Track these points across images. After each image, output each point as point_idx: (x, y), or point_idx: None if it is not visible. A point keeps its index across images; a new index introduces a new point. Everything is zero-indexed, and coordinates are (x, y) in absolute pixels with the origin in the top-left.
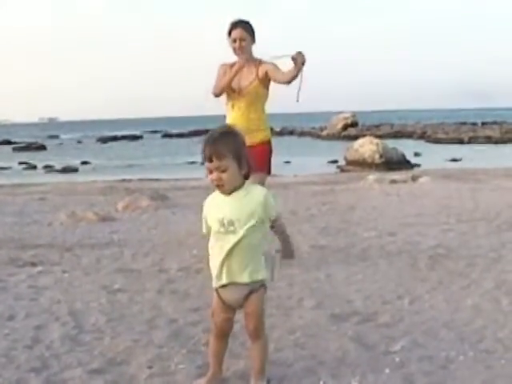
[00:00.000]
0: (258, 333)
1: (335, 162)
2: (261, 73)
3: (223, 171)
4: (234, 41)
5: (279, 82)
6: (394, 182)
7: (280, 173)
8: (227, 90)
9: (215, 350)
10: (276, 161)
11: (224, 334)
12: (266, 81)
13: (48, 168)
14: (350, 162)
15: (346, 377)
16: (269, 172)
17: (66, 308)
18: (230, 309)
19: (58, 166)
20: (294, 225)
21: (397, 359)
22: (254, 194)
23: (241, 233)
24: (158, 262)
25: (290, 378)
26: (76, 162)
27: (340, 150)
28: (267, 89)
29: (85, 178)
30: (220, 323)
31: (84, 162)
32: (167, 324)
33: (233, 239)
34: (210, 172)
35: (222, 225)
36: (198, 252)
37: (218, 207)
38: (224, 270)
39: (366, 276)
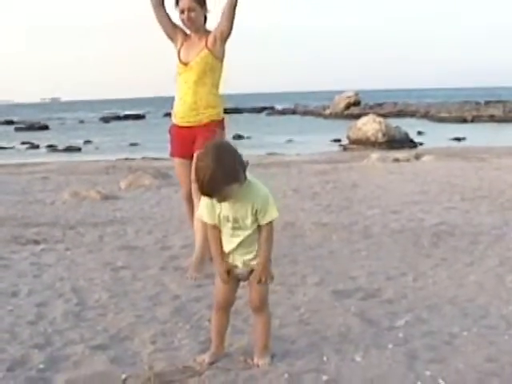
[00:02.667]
0: (262, 306)
1: (338, 140)
2: (210, 40)
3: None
4: (182, 11)
5: (228, 11)
6: (397, 160)
7: (282, 151)
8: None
9: (218, 325)
10: (278, 139)
11: (227, 305)
12: (217, 50)
13: (51, 147)
14: (352, 141)
15: (349, 352)
16: None
17: (69, 285)
18: (234, 280)
19: (61, 146)
20: (297, 202)
21: (400, 335)
22: (252, 195)
23: (248, 228)
24: (161, 239)
25: (294, 354)
26: (79, 142)
27: (343, 129)
28: (220, 61)
29: (88, 158)
30: (223, 294)
31: (87, 142)
32: (170, 300)
33: (242, 234)
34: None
35: (228, 220)
36: None
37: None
38: (232, 255)
39: (369, 253)
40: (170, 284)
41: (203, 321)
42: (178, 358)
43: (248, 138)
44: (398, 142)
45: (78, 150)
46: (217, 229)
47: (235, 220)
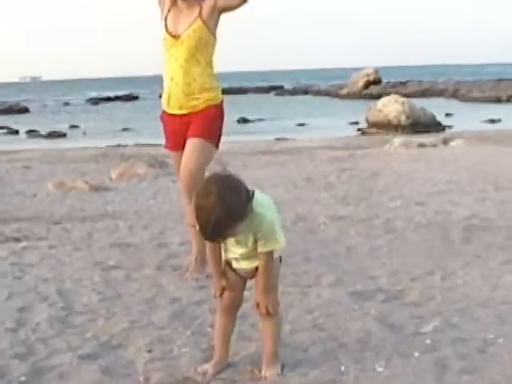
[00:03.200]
0: (270, 309)
1: (356, 123)
2: (206, 10)
3: None
4: None
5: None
6: (422, 145)
7: (293, 136)
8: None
9: (222, 329)
10: (289, 123)
11: (233, 307)
12: (212, 21)
13: (32, 133)
14: (372, 124)
15: (369, 361)
16: (217, 145)
17: (53, 287)
18: (240, 279)
19: (43, 131)
20: (309, 194)
21: (427, 341)
22: (254, 224)
23: (251, 246)
24: (158, 236)
25: (307, 363)
26: (63, 126)
27: (361, 111)
28: (214, 35)
29: (74, 144)
30: (229, 295)
31: (73, 126)
32: (168, 303)
33: (245, 248)
34: None
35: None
36: None
37: None
38: (236, 260)
39: (391, 249)
40: (167, 285)
41: (205, 326)
42: (178, 368)
43: (254, 121)
44: (423, 126)
45: (63, 135)
46: (216, 246)
47: (237, 241)
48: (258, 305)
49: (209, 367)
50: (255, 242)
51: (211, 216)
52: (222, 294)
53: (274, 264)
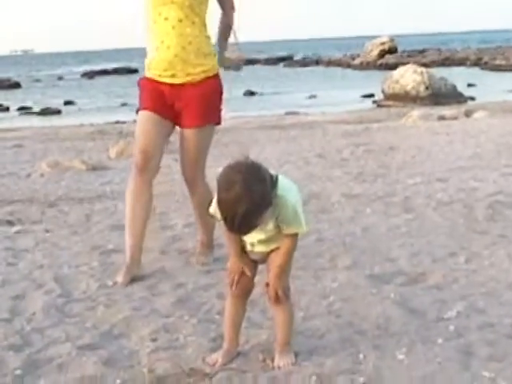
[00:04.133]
0: (282, 294)
1: (371, 96)
2: None
3: None
4: None
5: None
6: (442, 118)
7: (304, 110)
8: None
9: (232, 314)
10: (299, 96)
11: (244, 293)
12: None
13: (24, 110)
14: (388, 96)
15: (389, 349)
16: (218, 122)
17: (50, 273)
18: (251, 262)
19: (36, 108)
20: (322, 170)
21: (451, 327)
22: (276, 209)
23: (271, 231)
24: (161, 217)
25: (323, 351)
26: (58, 102)
27: (376, 82)
28: None
29: (69, 121)
30: (240, 279)
31: (68, 102)
32: (173, 289)
33: (264, 233)
34: None
35: None
36: None
37: None
38: (251, 244)
39: (411, 229)
40: (172, 270)
41: (213, 313)
42: (184, 359)
43: (262, 94)
44: (443, 97)
45: (58, 112)
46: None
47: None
48: (267, 286)
49: (218, 357)
50: (276, 226)
51: (238, 209)
52: (239, 279)
53: (295, 245)
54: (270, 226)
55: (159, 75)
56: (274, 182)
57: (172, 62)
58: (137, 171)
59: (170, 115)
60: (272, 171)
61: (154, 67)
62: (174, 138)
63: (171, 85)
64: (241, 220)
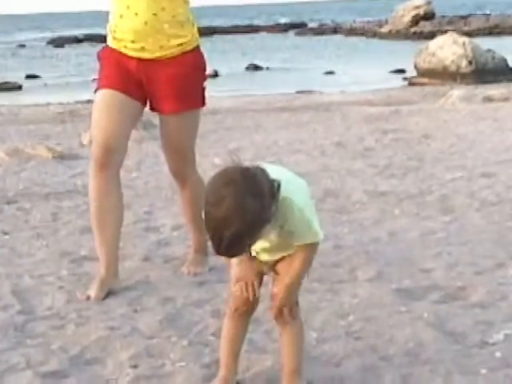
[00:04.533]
0: (289, 313)
1: (401, 71)
2: None
3: None
4: None
5: None
6: (489, 99)
7: (320, 88)
8: None
9: (231, 338)
10: (314, 71)
11: (247, 309)
12: None
13: None
14: (423, 72)
15: (421, 380)
16: (202, 103)
17: (7, 285)
18: (256, 273)
19: None
20: (341, 162)
21: (498, 354)
22: (281, 215)
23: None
24: (144, 217)
25: (341, 382)
26: (18, 76)
27: (408, 55)
28: None
29: (32, 100)
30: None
31: (30, 76)
32: (159, 304)
33: (269, 242)
34: None
35: None
36: None
37: None
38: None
39: (449, 235)
40: (158, 282)
41: (206, 334)
42: None
43: (269, 69)
44: (491, 73)
45: (18, 88)
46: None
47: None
48: (273, 298)
49: None
50: (280, 234)
51: (226, 230)
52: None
53: (313, 255)
54: (275, 233)
55: (125, 47)
56: (274, 191)
57: (141, 31)
58: (97, 168)
59: (137, 94)
60: (275, 173)
61: (119, 37)
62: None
63: (139, 59)
64: (228, 243)
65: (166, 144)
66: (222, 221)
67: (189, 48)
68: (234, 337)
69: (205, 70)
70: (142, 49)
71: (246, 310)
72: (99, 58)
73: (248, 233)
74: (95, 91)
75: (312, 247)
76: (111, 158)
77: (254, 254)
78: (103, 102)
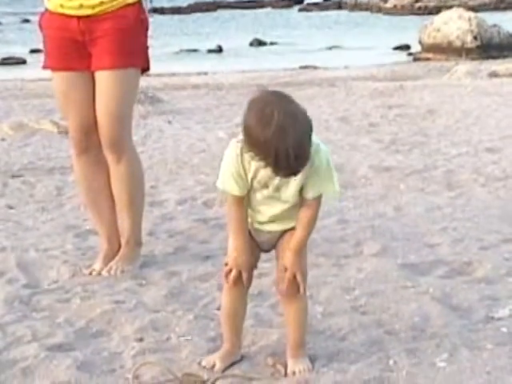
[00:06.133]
0: (296, 287)
1: (406, 47)
2: None
3: None
4: None
5: None
6: (495, 75)
7: (324, 64)
8: None
9: (231, 312)
10: (317, 46)
11: (242, 282)
12: None
13: None
14: (427, 48)
15: (427, 354)
16: (143, 66)
17: (13, 258)
18: (255, 249)
19: None
20: (345, 138)
21: (504, 329)
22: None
23: (288, 201)
24: (149, 192)
25: (346, 355)
26: (22, 51)
27: (413, 30)
28: None
29: (37, 74)
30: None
31: (35, 51)
32: (164, 278)
33: (278, 206)
34: None
35: (266, 187)
36: (206, 177)
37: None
38: (259, 224)
39: (455, 210)
40: (163, 256)
41: (212, 308)
42: (177, 362)
43: (273, 43)
44: (496, 49)
45: (22, 62)
46: (243, 203)
47: (277, 188)
48: (279, 282)
49: (217, 360)
50: (297, 190)
51: (289, 137)
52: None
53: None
54: (292, 190)
55: (61, 6)
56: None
57: None
58: (79, 153)
59: (85, 64)
60: None
61: None
62: (167, 94)
63: (79, 18)
64: (297, 150)
65: (99, 106)
66: (281, 132)
67: (130, 1)
68: (233, 312)
69: (146, 27)
70: (80, 6)
71: (241, 283)
72: (40, 26)
73: (307, 134)
74: (44, 67)
75: (319, 204)
76: (90, 140)
77: (257, 226)
78: (60, 88)
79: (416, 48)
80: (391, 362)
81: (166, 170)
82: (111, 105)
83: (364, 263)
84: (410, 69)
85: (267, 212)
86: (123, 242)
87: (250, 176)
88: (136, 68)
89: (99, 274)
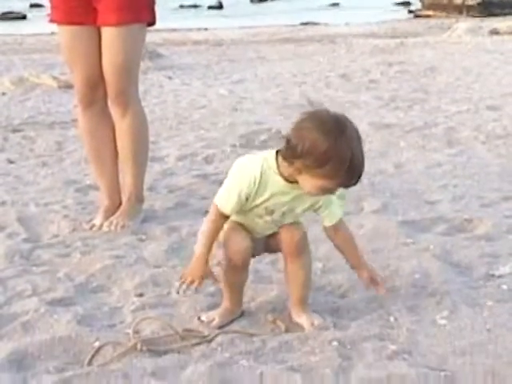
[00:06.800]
0: (301, 246)
1: (406, 3)
2: None
3: None
4: None
5: None
6: (495, 32)
7: (324, 20)
8: None
9: (233, 284)
10: (318, 2)
11: (245, 264)
12: None
13: None
14: (428, 5)
15: (427, 311)
16: (149, 20)
17: (13, 213)
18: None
19: None
20: (346, 94)
21: (504, 287)
22: None
23: (294, 217)
24: (150, 147)
25: (347, 312)
26: (22, 6)
27: None
28: None
29: (37, 29)
30: (241, 253)
31: (35, 5)
32: (164, 233)
33: (283, 221)
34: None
35: (271, 214)
36: (206, 133)
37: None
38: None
39: (455, 167)
40: (163, 211)
41: (212, 264)
42: (177, 318)
43: (273, 0)
44: (497, 6)
45: (22, 17)
46: (225, 220)
47: (282, 214)
48: (285, 243)
49: (216, 316)
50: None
51: (357, 143)
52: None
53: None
54: (297, 214)
55: None
56: None
57: None
58: (84, 107)
59: (91, 18)
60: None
61: None
62: (167, 50)
63: None
64: (362, 156)
65: (106, 60)
66: (355, 140)
67: None
68: (235, 283)
69: None
70: None
71: (244, 264)
72: None
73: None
74: (51, 20)
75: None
76: (95, 94)
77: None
78: (66, 42)
79: (416, 5)
80: (391, 318)
81: (167, 125)
82: (118, 59)
83: (364, 220)
84: (411, 26)
85: (265, 232)
86: (125, 197)
87: (259, 200)
88: (142, 23)
89: (100, 228)
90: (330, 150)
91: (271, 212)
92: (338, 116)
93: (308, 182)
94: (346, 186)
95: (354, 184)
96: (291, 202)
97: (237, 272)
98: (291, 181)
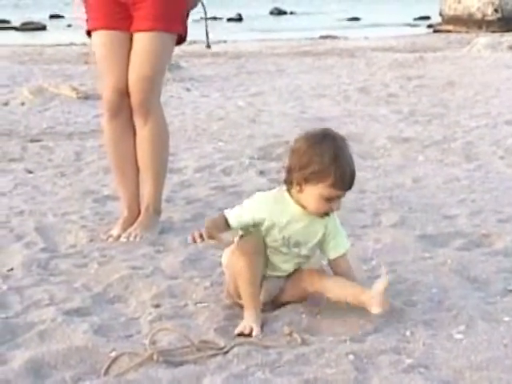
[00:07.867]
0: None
1: (426, 18)
2: None
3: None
4: None
5: None
6: None
7: (343, 34)
8: None
9: (249, 277)
10: (337, 16)
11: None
12: None
13: (0, 24)
14: (448, 19)
15: (444, 326)
16: (181, 32)
17: (31, 222)
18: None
19: (16, 22)
20: (364, 108)
21: None
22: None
23: (306, 257)
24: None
25: (364, 325)
26: (42, 16)
27: (434, 2)
28: None
29: (57, 39)
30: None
31: (54, 16)
32: (181, 245)
33: (297, 262)
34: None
35: (287, 245)
36: (224, 144)
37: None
38: None
39: (473, 181)
40: (180, 222)
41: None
42: (193, 329)
43: (293, 13)
44: None
45: (42, 28)
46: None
47: (296, 244)
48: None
49: (253, 325)
50: (316, 246)
51: (347, 154)
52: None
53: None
54: (311, 245)
55: None
56: None
57: None
58: (111, 115)
59: (127, 24)
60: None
61: None
62: (186, 61)
63: None
64: (353, 164)
65: (133, 66)
66: (341, 151)
67: None
68: (251, 276)
69: None
70: None
71: (255, 252)
72: None
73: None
74: (88, 33)
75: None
76: (122, 102)
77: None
78: (100, 48)
79: (436, 19)
80: (408, 333)
81: (185, 136)
82: (145, 66)
83: (382, 234)
84: (430, 40)
85: (282, 267)
86: (143, 208)
87: (277, 229)
88: (173, 34)
89: (117, 239)
90: (310, 149)
91: (287, 241)
92: (323, 128)
93: (309, 196)
94: (342, 187)
95: (349, 185)
96: (305, 229)
97: (254, 260)
98: (302, 205)
